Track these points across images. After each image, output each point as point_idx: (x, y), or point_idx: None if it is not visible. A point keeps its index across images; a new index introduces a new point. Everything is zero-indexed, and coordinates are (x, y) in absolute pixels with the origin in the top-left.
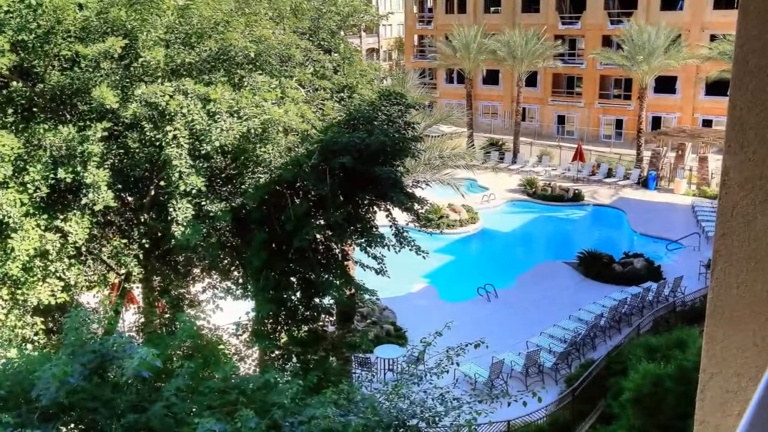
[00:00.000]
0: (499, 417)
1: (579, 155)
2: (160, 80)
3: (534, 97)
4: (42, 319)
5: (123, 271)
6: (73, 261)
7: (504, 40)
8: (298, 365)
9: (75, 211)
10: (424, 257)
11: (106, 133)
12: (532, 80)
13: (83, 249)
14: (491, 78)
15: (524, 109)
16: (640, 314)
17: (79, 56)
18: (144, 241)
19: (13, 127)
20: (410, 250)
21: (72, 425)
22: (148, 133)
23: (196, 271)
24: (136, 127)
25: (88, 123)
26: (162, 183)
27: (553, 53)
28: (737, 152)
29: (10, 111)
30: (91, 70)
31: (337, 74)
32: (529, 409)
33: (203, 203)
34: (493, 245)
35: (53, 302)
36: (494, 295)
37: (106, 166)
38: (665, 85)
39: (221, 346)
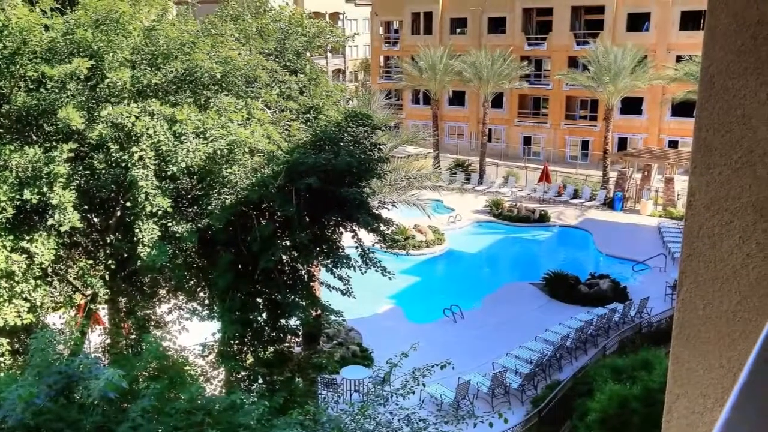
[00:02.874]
0: None
1: (545, 176)
2: (126, 101)
3: (500, 118)
4: (8, 340)
5: (89, 292)
6: (39, 282)
7: (470, 61)
8: (264, 386)
9: (41, 232)
10: (390, 278)
11: (72, 154)
12: (498, 101)
13: (49, 270)
14: (457, 99)
15: (490, 130)
16: (606, 335)
17: (46, 77)
18: (110, 262)
19: None
20: (376, 271)
21: None
22: (114, 154)
23: (162, 292)
24: (102, 148)
25: (54, 144)
26: (128, 204)
27: (519, 74)
28: (703, 173)
29: None
30: (57, 91)
31: (303, 95)
32: (495, 430)
33: (169, 224)
34: (459, 266)
35: (19, 323)
36: (460, 316)
37: (72, 187)
38: (631, 106)
39: (187, 367)
